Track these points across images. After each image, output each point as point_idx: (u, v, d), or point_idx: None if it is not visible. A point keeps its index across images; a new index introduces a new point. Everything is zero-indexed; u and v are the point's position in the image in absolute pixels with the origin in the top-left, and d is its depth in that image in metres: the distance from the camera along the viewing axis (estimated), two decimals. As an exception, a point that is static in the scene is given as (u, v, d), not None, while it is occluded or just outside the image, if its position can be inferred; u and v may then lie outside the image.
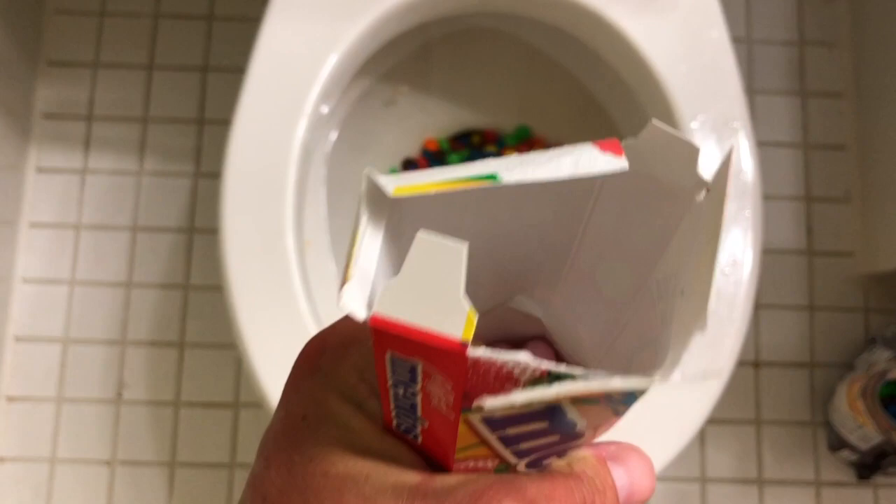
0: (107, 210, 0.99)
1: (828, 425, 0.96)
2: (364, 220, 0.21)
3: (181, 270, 0.98)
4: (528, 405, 0.19)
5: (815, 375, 0.99)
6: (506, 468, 0.23)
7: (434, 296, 0.18)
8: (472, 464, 0.22)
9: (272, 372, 0.57)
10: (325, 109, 0.64)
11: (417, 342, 0.18)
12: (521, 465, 0.23)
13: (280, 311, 0.58)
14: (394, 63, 0.80)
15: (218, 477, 0.94)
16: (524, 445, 0.22)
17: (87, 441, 0.95)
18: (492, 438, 0.21)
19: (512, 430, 0.21)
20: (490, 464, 0.23)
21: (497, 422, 0.20)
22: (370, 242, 0.21)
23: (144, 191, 0.99)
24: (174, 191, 1.00)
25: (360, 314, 0.19)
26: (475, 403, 0.19)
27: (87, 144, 1.00)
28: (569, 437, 0.22)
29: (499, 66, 0.83)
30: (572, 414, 0.21)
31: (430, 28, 0.78)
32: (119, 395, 0.95)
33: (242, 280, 0.57)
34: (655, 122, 0.22)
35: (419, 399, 0.21)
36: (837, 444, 0.94)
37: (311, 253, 0.73)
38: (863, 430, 0.88)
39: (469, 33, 0.81)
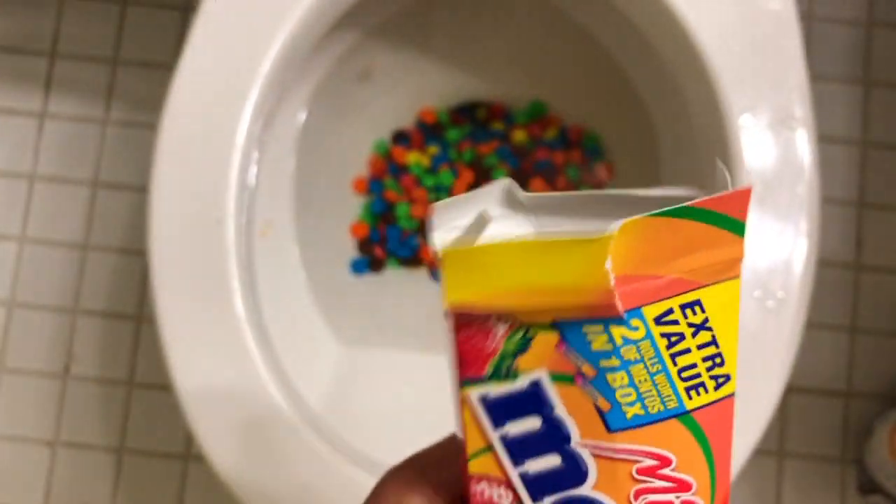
0: (66, 161, 0.88)
1: (860, 465, 0.84)
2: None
3: (145, 235, 0.87)
4: (508, 376, 0.21)
5: (850, 407, 0.87)
6: None
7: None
8: (489, 492, 0.22)
9: (202, 406, 0.46)
10: (286, 75, 0.53)
11: None
12: None
13: (213, 327, 0.47)
14: (388, 15, 0.67)
15: (170, 468, 0.85)
16: (531, 466, 0.21)
17: (28, 417, 0.85)
18: (495, 440, 0.21)
19: (511, 429, 0.21)
20: (505, 500, 0.21)
21: (493, 407, 0.21)
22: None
23: (109, 142, 0.88)
24: (143, 144, 0.88)
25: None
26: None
27: (48, 85, 0.88)
28: (572, 464, 0.21)
29: (513, 27, 0.71)
30: (560, 409, 0.21)
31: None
32: (66, 368, 0.85)
33: (172, 293, 0.47)
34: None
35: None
36: (869, 487, 0.83)
37: (271, 238, 0.62)
38: (902, 479, 0.77)
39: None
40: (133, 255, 0.87)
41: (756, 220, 0.49)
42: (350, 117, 0.70)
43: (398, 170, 0.71)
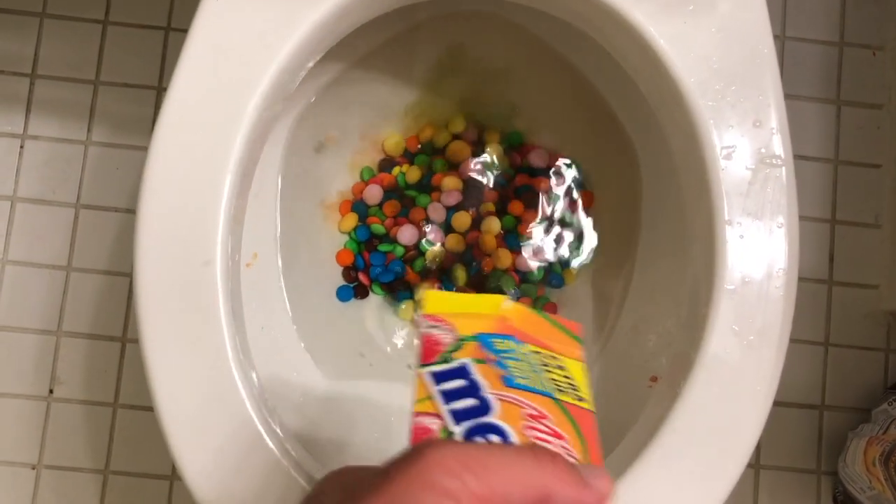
0: (47, 182, 0.88)
1: (836, 477, 0.86)
2: None
3: (128, 257, 0.87)
4: (447, 361, 0.33)
5: (825, 419, 0.89)
6: (448, 434, 0.30)
7: None
8: (425, 421, 0.30)
9: (184, 432, 0.47)
10: (275, 108, 0.53)
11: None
12: (458, 431, 0.30)
13: (199, 357, 0.47)
14: (373, 46, 0.68)
15: (156, 489, 0.85)
16: (457, 405, 0.31)
17: (11, 441, 0.85)
18: (435, 392, 0.32)
19: (446, 386, 0.32)
20: (436, 426, 0.30)
21: (436, 375, 0.32)
22: None
23: (91, 163, 0.88)
24: (125, 165, 0.88)
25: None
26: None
27: (28, 106, 0.88)
28: (484, 404, 0.32)
29: (496, 56, 0.72)
30: (477, 374, 0.33)
31: (419, 10, 0.66)
32: (50, 391, 0.85)
33: (159, 337, 0.47)
34: None
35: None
36: (844, 498, 0.85)
37: (256, 269, 0.62)
38: (876, 492, 0.79)
39: (463, 17, 0.70)
40: (117, 277, 0.87)
41: (737, 255, 0.51)
42: (331, 146, 0.71)
43: (383, 195, 0.72)
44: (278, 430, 0.49)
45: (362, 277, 0.70)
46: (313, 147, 0.70)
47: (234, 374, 0.47)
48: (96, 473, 0.85)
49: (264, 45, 0.52)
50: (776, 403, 0.87)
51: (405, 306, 0.70)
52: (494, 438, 0.30)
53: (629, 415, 0.54)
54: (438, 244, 0.71)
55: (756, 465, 0.88)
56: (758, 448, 0.88)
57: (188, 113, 0.50)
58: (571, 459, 0.30)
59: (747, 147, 0.51)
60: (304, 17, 0.52)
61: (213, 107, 0.50)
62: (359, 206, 0.72)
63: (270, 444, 0.47)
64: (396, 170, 0.72)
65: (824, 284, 0.91)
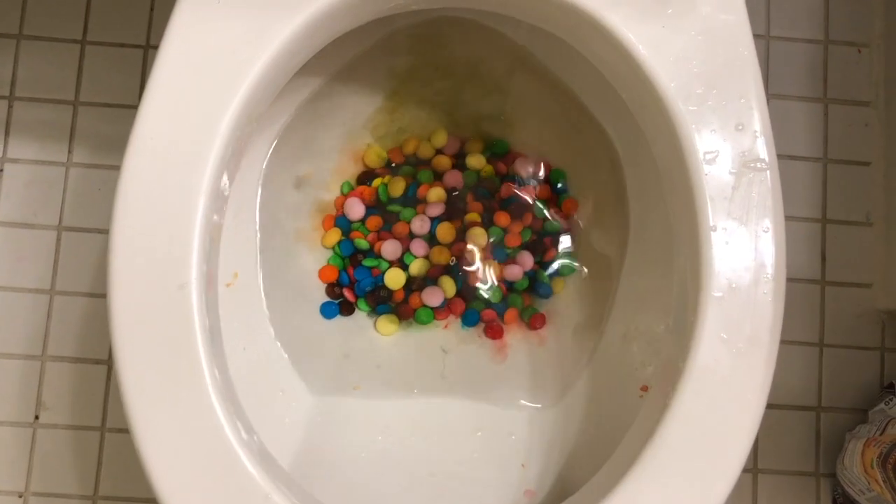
0: (28, 205, 0.86)
1: (834, 479, 0.86)
2: None
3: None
4: None
5: (822, 421, 0.88)
6: None
7: None
8: None
9: (167, 466, 0.46)
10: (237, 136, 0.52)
11: None
12: None
13: (178, 387, 0.46)
14: (350, 57, 0.67)
15: (146, 513, 0.84)
16: None
17: (-2, 469, 0.84)
18: None
19: None
20: None
21: None
22: None
23: (72, 185, 0.87)
24: (107, 186, 0.87)
25: None
26: None
27: (6, 129, 0.87)
28: None
29: (476, 64, 0.71)
30: None
31: (397, 19, 0.66)
32: (36, 417, 0.84)
33: (135, 362, 0.46)
34: None
35: None
36: (844, 500, 0.84)
37: (237, 287, 0.61)
38: (875, 494, 0.78)
39: (442, 24, 0.69)
40: (101, 299, 0.86)
41: (724, 262, 0.50)
42: (313, 161, 0.70)
43: (366, 211, 0.71)
44: (264, 460, 0.48)
45: (347, 293, 0.69)
46: (292, 182, 0.69)
47: (213, 402, 0.46)
48: (84, 499, 0.83)
49: (238, 60, 0.51)
50: (773, 406, 0.86)
51: (383, 320, 0.69)
52: None
53: (620, 424, 0.53)
54: (423, 257, 0.70)
55: (754, 469, 0.87)
56: (756, 452, 0.87)
57: (160, 131, 0.50)
58: None
59: (730, 151, 0.51)
60: (278, 30, 0.51)
61: (186, 124, 0.50)
62: (342, 222, 0.71)
63: (257, 478, 0.46)
64: (377, 181, 0.71)
65: (817, 284, 0.90)
